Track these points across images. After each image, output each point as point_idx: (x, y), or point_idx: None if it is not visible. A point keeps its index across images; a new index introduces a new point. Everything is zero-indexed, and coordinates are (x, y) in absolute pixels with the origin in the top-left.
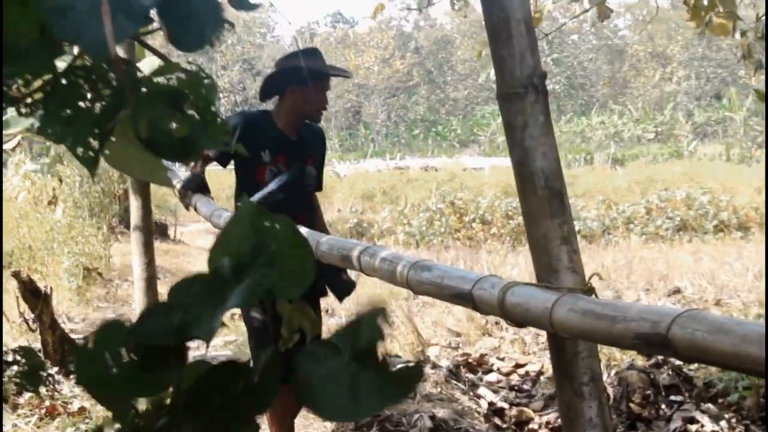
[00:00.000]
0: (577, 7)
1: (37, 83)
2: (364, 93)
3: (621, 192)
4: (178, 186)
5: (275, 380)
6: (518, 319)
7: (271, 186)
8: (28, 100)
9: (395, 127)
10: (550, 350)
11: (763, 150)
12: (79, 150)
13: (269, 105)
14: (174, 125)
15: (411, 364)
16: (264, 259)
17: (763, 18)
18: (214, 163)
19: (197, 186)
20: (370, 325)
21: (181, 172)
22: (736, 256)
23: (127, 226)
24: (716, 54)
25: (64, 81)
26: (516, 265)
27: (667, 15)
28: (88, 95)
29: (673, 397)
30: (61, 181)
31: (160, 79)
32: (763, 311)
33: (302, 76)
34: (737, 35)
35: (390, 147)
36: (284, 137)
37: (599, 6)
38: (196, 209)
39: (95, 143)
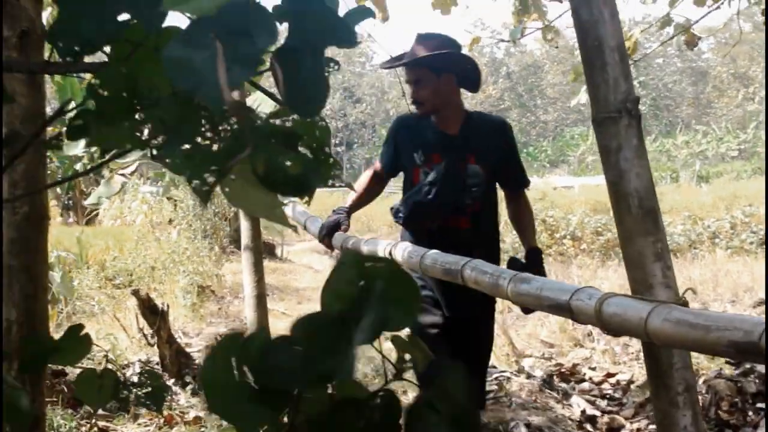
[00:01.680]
0: (664, 33)
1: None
2: None
3: (706, 208)
4: (320, 229)
5: (394, 419)
6: (615, 328)
7: (412, 190)
8: (155, 142)
9: None
10: (646, 360)
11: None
12: (195, 183)
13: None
14: (288, 163)
15: None
16: (376, 296)
17: None
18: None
19: (335, 228)
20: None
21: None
22: None
23: (238, 247)
24: None
25: (186, 121)
26: (606, 279)
27: (749, 38)
28: (208, 134)
29: (759, 405)
30: (175, 205)
31: (277, 121)
32: None
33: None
34: None
35: None
36: (440, 134)
37: (687, 34)
38: (305, 228)
39: (211, 178)
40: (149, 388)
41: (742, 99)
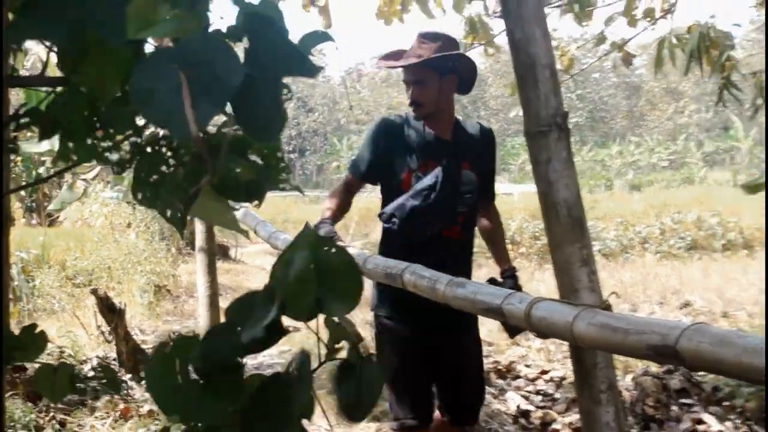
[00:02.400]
0: (600, 49)
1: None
2: None
3: (638, 215)
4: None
5: (306, 389)
6: (543, 330)
7: (406, 195)
8: (116, 158)
9: None
10: (572, 361)
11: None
12: (168, 213)
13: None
14: (240, 170)
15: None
16: (321, 281)
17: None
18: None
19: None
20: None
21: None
22: (742, 273)
23: (193, 248)
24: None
25: (149, 149)
26: (543, 281)
27: (680, 55)
28: (171, 161)
29: (683, 400)
30: (134, 208)
31: (228, 130)
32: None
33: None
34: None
35: None
36: (435, 138)
37: (623, 52)
38: (255, 231)
39: (181, 205)
40: (104, 380)
41: (672, 112)
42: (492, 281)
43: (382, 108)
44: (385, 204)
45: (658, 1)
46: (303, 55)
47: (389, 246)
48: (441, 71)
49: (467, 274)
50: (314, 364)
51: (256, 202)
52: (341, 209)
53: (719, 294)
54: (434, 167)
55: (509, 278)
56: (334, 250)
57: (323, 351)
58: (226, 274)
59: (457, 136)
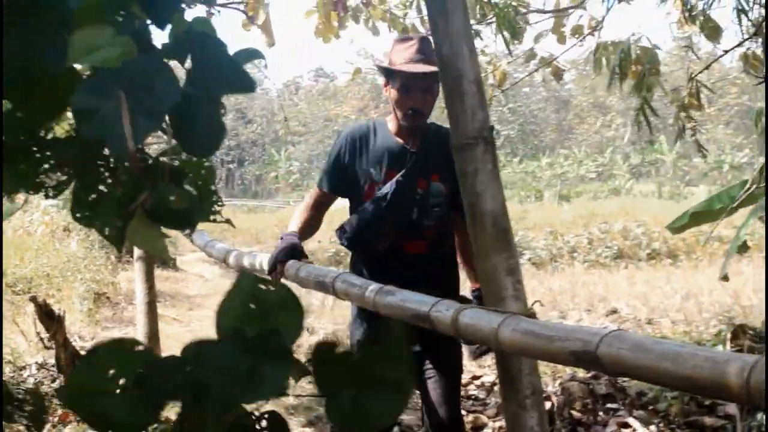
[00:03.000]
0: (531, 65)
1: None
2: None
3: (566, 225)
4: (268, 260)
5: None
6: (469, 336)
7: (365, 206)
8: (53, 183)
9: None
10: (498, 367)
11: (691, 184)
12: (106, 231)
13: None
14: (173, 199)
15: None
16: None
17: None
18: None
19: (289, 256)
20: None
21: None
22: (666, 281)
23: (133, 256)
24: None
25: (87, 170)
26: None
27: (606, 71)
28: (109, 180)
29: (609, 405)
30: None
31: (165, 159)
32: (688, 329)
33: (384, 69)
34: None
35: None
36: (400, 148)
37: (553, 67)
38: (192, 240)
39: (119, 223)
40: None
41: (600, 126)
42: (462, 300)
43: (319, 120)
44: (351, 214)
45: (585, 18)
46: (243, 71)
47: (355, 263)
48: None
49: (449, 293)
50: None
51: (187, 231)
52: (308, 225)
53: (644, 301)
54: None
55: (478, 297)
56: (272, 288)
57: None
58: (165, 281)
59: (427, 146)
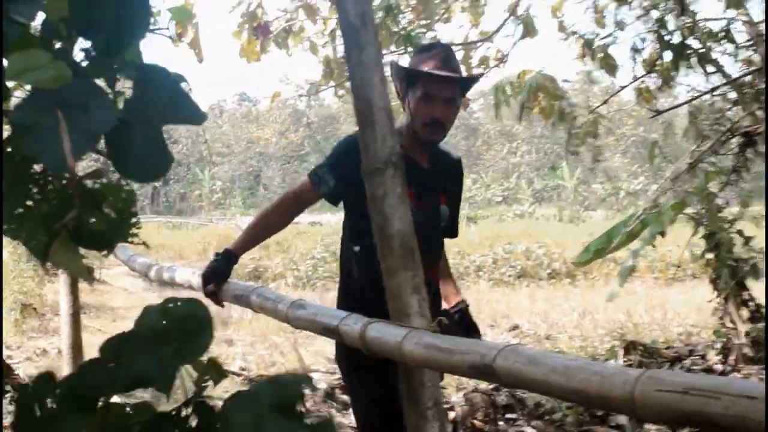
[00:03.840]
0: None
1: None
2: (264, 160)
3: (473, 245)
4: (199, 279)
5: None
6: (375, 349)
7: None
8: None
9: None
10: (401, 379)
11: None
12: (32, 244)
13: None
14: (94, 221)
15: (326, 420)
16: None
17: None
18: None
19: (221, 276)
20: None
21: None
22: (565, 299)
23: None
24: (552, 133)
25: (17, 183)
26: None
27: (513, 102)
28: (37, 197)
29: (509, 415)
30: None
31: (88, 182)
32: (584, 344)
33: (404, 79)
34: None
35: None
36: (412, 164)
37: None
38: (115, 255)
39: (44, 238)
40: None
41: (506, 152)
42: (444, 312)
43: (241, 142)
44: (353, 239)
45: (492, 50)
46: (193, 104)
47: (360, 296)
48: (463, 92)
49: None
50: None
51: (104, 252)
52: (274, 225)
53: (544, 318)
54: (411, 197)
55: (457, 312)
56: (181, 303)
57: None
58: (90, 293)
59: (436, 165)
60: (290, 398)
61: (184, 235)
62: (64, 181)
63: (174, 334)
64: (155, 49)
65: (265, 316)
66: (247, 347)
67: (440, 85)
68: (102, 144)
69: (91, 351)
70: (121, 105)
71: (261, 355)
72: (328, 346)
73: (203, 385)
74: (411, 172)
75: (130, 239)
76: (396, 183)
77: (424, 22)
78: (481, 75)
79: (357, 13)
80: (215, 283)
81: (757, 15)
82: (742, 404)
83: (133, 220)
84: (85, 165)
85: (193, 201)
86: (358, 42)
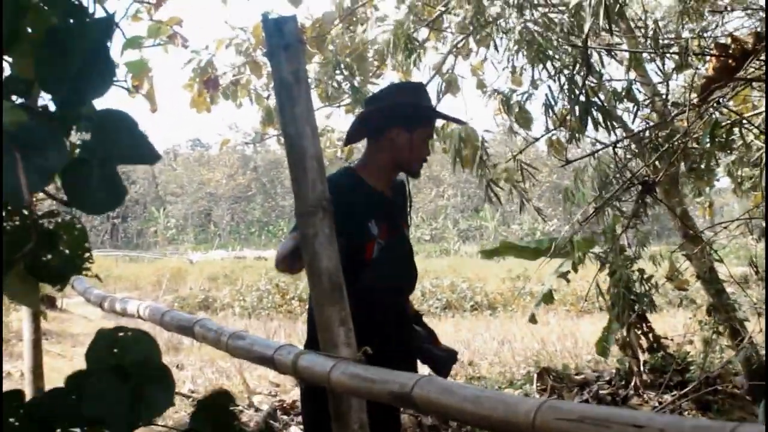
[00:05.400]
0: None
1: None
2: (214, 200)
3: None
4: (146, 310)
5: None
6: (307, 378)
7: (379, 263)
8: None
9: (237, 226)
10: (329, 404)
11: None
12: None
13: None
14: (49, 257)
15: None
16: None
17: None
18: None
19: None
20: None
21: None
22: (486, 329)
23: None
24: (476, 178)
25: None
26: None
27: (439, 148)
28: None
29: None
30: None
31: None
32: (503, 370)
33: (411, 116)
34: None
35: (233, 241)
36: (382, 198)
37: None
38: (73, 287)
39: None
40: None
41: (434, 196)
42: (416, 322)
43: (194, 183)
44: (349, 273)
45: None
46: (149, 146)
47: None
48: (385, 127)
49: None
50: None
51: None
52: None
53: (467, 346)
54: (390, 231)
55: (419, 324)
56: (130, 333)
57: None
58: (52, 321)
59: (395, 194)
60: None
61: (141, 267)
62: (20, 219)
63: (134, 375)
64: (114, 99)
65: None
66: (197, 371)
67: (432, 127)
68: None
69: (51, 374)
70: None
71: (209, 379)
72: (269, 371)
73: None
74: (384, 208)
75: (84, 273)
76: (325, 224)
77: (358, 79)
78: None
79: (290, 70)
80: None
81: (654, 77)
82: None
83: (86, 255)
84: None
85: (149, 237)
86: (291, 97)
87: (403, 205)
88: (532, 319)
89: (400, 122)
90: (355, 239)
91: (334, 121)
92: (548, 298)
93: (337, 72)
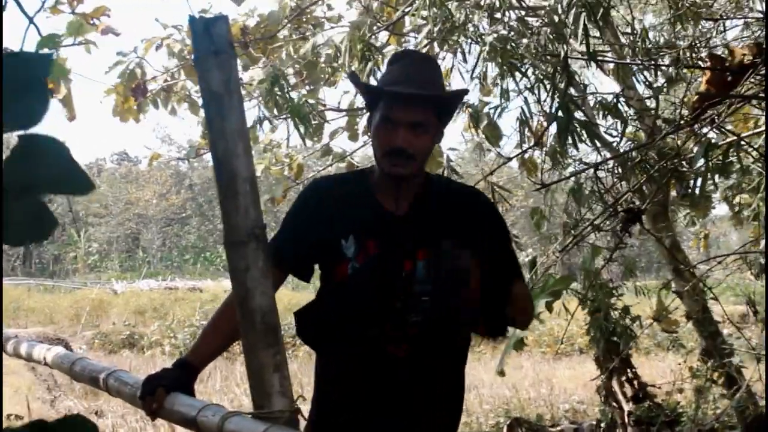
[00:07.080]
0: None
1: None
2: (143, 222)
3: None
4: (53, 355)
5: None
6: None
7: (326, 290)
8: None
9: (169, 252)
10: None
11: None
12: None
13: None
14: None
15: None
16: None
17: None
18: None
19: (173, 384)
20: None
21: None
22: None
23: None
24: None
25: None
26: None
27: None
28: None
29: None
30: None
31: None
32: (469, 419)
33: (367, 96)
34: None
35: (164, 269)
36: (381, 212)
37: (348, 162)
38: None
39: None
40: None
41: None
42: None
43: (120, 202)
44: (320, 298)
45: None
46: (82, 174)
47: (324, 367)
48: (440, 115)
49: (436, 421)
50: None
51: None
52: (224, 332)
53: None
54: (374, 251)
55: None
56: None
57: None
58: None
59: (418, 210)
60: None
61: (57, 298)
62: None
63: None
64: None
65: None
66: (118, 419)
67: (405, 105)
68: None
69: None
70: None
71: (132, 429)
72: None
73: None
74: (377, 220)
75: None
76: (258, 256)
77: (308, 88)
78: (465, 91)
79: (221, 80)
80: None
81: (643, 90)
82: None
83: None
84: None
85: (67, 263)
86: (221, 110)
87: (441, 229)
88: (501, 372)
89: (368, 107)
90: (326, 259)
91: (280, 134)
92: (519, 344)
93: (282, 81)
